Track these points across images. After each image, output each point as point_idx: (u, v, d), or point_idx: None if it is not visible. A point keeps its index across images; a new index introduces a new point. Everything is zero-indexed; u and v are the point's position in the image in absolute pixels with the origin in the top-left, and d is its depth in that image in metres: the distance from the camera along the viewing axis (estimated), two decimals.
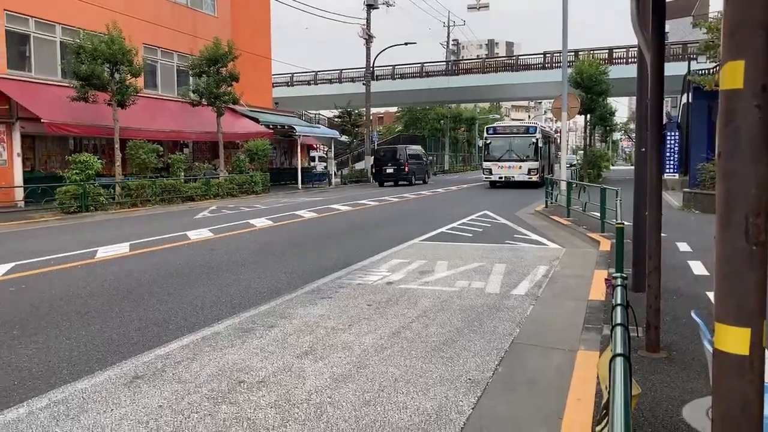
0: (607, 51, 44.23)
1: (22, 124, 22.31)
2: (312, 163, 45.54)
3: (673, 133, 28.39)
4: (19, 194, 21.94)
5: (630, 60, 41.94)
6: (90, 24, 23.25)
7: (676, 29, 46.19)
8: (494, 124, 36.95)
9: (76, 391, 4.92)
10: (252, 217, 18.57)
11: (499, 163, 33.54)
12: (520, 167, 33.08)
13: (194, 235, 14.60)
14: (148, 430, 4.17)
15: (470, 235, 14.25)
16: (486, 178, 34.48)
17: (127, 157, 23.83)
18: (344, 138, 45.10)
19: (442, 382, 5.01)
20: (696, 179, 21.59)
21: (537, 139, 33.20)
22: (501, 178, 33.55)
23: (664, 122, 6.91)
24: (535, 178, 32.67)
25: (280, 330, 6.56)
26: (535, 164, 33.06)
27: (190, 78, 29.29)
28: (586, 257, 11.04)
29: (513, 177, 33.12)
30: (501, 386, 4.96)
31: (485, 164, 34.79)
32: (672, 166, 28.35)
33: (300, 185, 35.59)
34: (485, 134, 35.42)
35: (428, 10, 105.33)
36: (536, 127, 34.56)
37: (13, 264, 10.70)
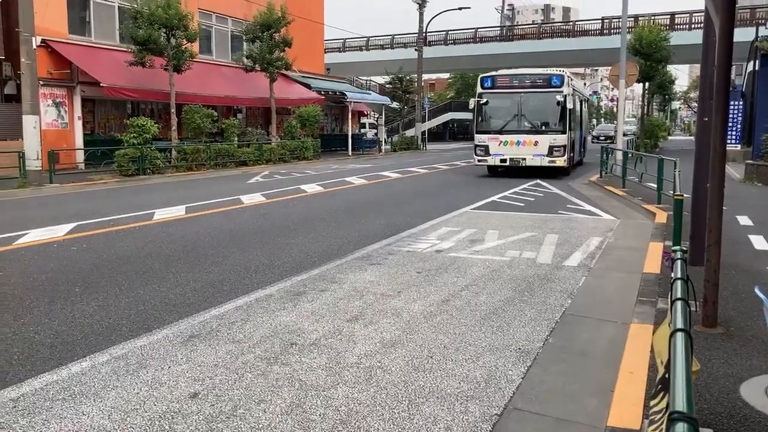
0: (669, 16, 42.60)
1: (82, 87, 22.88)
2: (362, 130, 45.59)
3: (736, 103, 27.29)
4: (80, 156, 22.60)
5: (693, 26, 40.34)
6: None
7: None
8: (494, 73, 22.04)
9: (135, 347, 5.10)
10: (303, 183, 18.74)
11: (501, 137, 20.65)
12: (536, 143, 20.21)
13: (247, 199, 14.83)
14: (203, 388, 4.29)
15: (522, 204, 14.09)
16: (479, 160, 21.27)
17: (182, 121, 24.24)
18: (395, 104, 44.92)
19: (492, 350, 5.01)
20: (760, 151, 20.78)
21: (565, 97, 19.85)
22: (504, 160, 20.67)
23: (729, 90, 6.59)
24: (561, 162, 20.13)
25: (330, 294, 6.64)
26: (560, 138, 20.05)
27: (244, 43, 29.45)
28: (641, 229, 10.80)
29: (524, 159, 20.39)
30: (551, 357, 4.93)
31: (478, 138, 21.32)
32: (734, 137, 27.31)
33: (350, 152, 35.67)
34: (479, 89, 21.29)
35: None
36: (563, 77, 20.30)
37: (75, 224, 11.07)
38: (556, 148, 20.06)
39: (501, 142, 20.60)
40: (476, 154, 21.30)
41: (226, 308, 6.16)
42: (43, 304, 6.35)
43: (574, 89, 21.89)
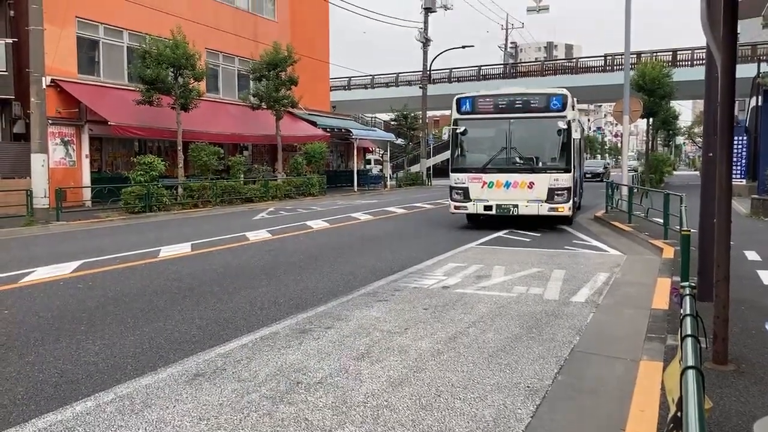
0: (671, 53, 43.06)
1: (90, 126, 23.16)
2: (368, 166, 45.80)
3: (740, 138, 27.39)
4: (87, 194, 22.74)
5: (695, 62, 40.73)
6: (155, 29, 23.93)
7: (746, 30, 44.48)
8: (474, 93, 16.84)
9: (141, 386, 5.06)
10: (309, 219, 18.77)
11: (485, 176, 15.64)
12: (532, 185, 15.24)
13: (253, 235, 14.85)
14: (209, 428, 4.24)
15: (528, 240, 14.06)
16: (456, 207, 16.11)
17: (189, 158, 24.43)
18: (400, 141, 45.21)
19: (500, 389, 4.95)
20: (765, 185, 20.78)
21: (569, 124, 15.06)
22: (488, 207, 15.60)
23: (733, 126, 6.63)
24: (564, 209, 15.17)
25: (336, 332, 6.59)
26: (564, 179, 15.14)
27: (251, 82, 29.82)
28: (648, 264, 10.75)
29: (515, 206, 15.34)
30: (561, 395, 4.86)
31: (454, 178, 16.17)
32: (739, 172, 27.35)
33: (356, 187, 35.79)
34: (454, 113, 16.19)
35: (486, 13, 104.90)
36: (565, 97, 15.31)
37: (81, 262, 11.09)
38: (559, 192, 14.89)
39: (485, 183, 15.38)
40: (452, 199, 15.92)
41: (232, 346, 6.12)
42: (48, 342, 6.32)
43: (576, 116, 16.56)
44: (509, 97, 15.59)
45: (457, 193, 15.88)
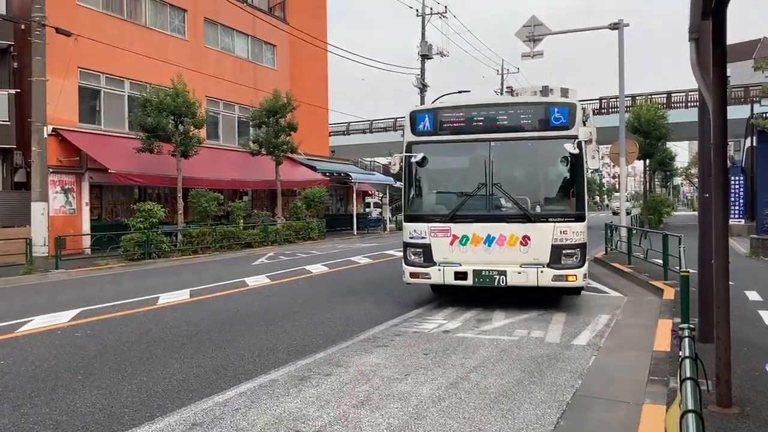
0: (665, 95, 43.59)
1: (90, 174, 23.30)
2: (367, 209, 45.90)
3: (736, 178, 27.55)
4: (87, 242, 22.73)
5: (690, 104, 41.20)
6: (156, 78, 24.29)
7: (738, 73, 45.28)
8: (439, 104, 12.02)
9: None
10: (308, 264, 18.73)
11: (454, 227, 10.19)
12: (526, 240, 9.85)
13: (252, 281, 14.80)
14: None
15: None
16: (413, 274, 10.45)
17: (189, 205, 24.51)
18: (399, 184, 45.37)
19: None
20: (763, 225, 20.82)
21: (580, 146, 9.84)
22: (462, 275, 10.05)
23: (727, 166, 6.73)
24: (576, 278, 9.71)
25: (336, 378, 6.53)
26: (576, 228, 9.80)
27: (251, 128, 30.12)
28: (649, 306, 10.70)
29: (501, 273, 9.85)
30: None
31: (410, 230, 10.54)
32: (737, 212, 27.43)
33: (355, 231, 35.81)
34: (408, 134, 10.75)
35: (482, 59, 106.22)
36: (571, 108, 10.05)
37: (79, 310, 11.03)
38: (568, 250, 9.69)
39: (455, 237, 10.09)
40: (406, 262, 10.48)
41: (230, 395, 6.05)
42: (44, 393, 6.25)
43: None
44: (490, 109, 10.22)
45: (413, 253, 10.19)
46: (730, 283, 5.28)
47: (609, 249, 19.76)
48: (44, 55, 17.99)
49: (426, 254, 10.20)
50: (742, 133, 31.80)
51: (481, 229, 9.93)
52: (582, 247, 9.71)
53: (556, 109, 9.90)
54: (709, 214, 6.58)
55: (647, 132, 31.54)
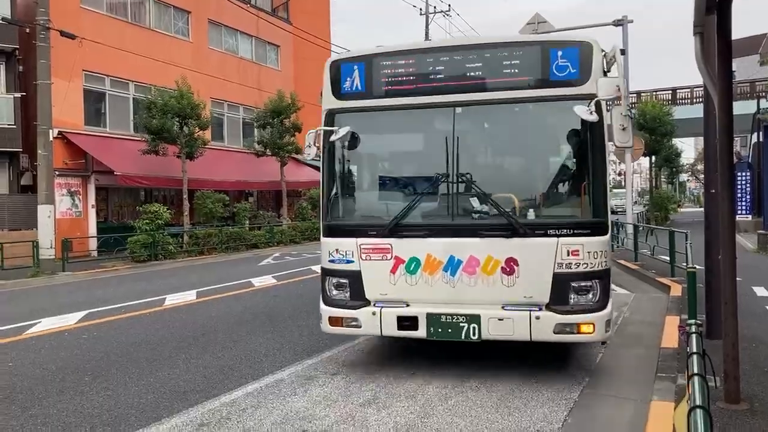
0: (670, 91, 43.44)
1: (96, 176, 23.37)
2: None
3: (743, 174, 27.45)
4: (93, 244, 22.79)
5: (695, 100, 41.05)
6: (161, 80, 24.33)
7: (744, 67, 45.06)
8: (375, 50, 6.74)
9: None
10: (314, 263, 18.73)
11: (400, 244, 6.29)
12: (512, 266, 6.00)
13: (258, 282, 14.82)
14: None
15: None
16: (334, 315, 6.54)
17: (194, 206, 24.56)
18: None
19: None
20: None
21: (600, 111, 5.85)
22: (411, 319, 6.17)
23: (734, 162, 6.75)
24: (590, 329, 5.80)
25: (342, 378, 6.52)
26: (591, 247, 5.87)
27: (255, 130, 30.16)
28: (656, 303, 10.66)
29: (473, 319, 5.99)
30: None
31: (331, 247, 6.59)
32: (744, 208, 27.32)
33: None
34: (328, 97, 6.82)
35: None
36: (585, 50, 6.01)
37: (86, 312, 11.06)
38: (582, 282, 5.95)
39: (399, 261, 6.35)
40: (324, 299, 6.76)
41: (237, 395, 6.05)
42: (52, 394, 6.27)
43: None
44: (457, 53, 6.52)
45: (335, 286, 6.65)
46: (737, 279, 5.25)
47: (615, 246, 19.71)
48: (49, 58, 18.05)
49: (354, 288, 6.41)
50: (749, 129, 31.69)
51: (440, 247, 6.14)
52: (603, 276, 5.93)
53: (560, 52, 6.08)
54: (715, 210, 6.56)
55: (653, 128, 31.45)
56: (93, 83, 24.12)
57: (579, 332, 5.81)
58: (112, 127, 24.81)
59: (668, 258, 13.38)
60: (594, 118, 5.74)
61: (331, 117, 6.74)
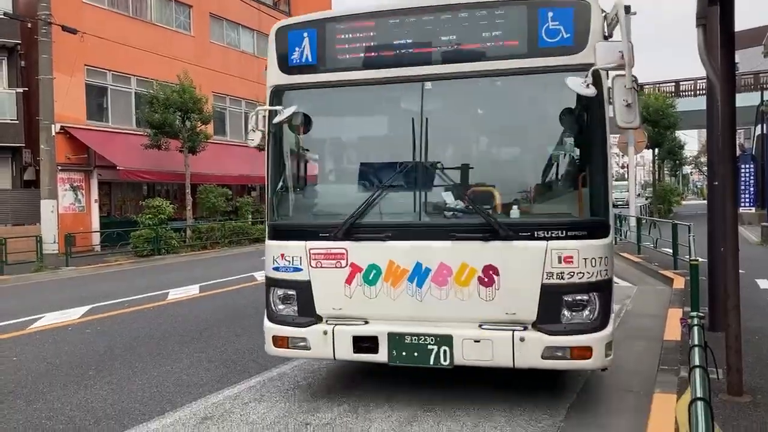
0: (673, 84, 43.31)
1: (99, 171, 23.40)
2: None
3: (747, 166, 27.34)
4: (96, 239, 22.85)
5: (698, 92, 40.93)
6: (163, 75, 24.31)
7: (747, 59, 44.91)
8: (328, 13, 6.05)
9: (148, 431, 5.02)
10: None
11: (356, 247, 5.21)
12: (491, 276, 4.92)
13: (261, 276, 14.82)
14: None
15: None
16: (279, 334, 5.40)
17: (197, 201, 24.59)
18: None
19: (512, 424, 4.87)
20: None
21: (598, 82, 4.79)
22: (369, 340, 5.12)
23: (737, 154, 6.75)
24: (591, 354, 4.78)
25: (343, 370, 6.53)
26: (588, 252, 4.82)
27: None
28: (659, 295, 10.65)
29: (442, 341, 4.93)
30: (573, 431, 4.78)
31: (275, 251, 5.48)
32: (748, 200, 27.23)
33: None
34: (273, 71, 5.60)
35: None
36: (581, 10, 4.88)
37: (89, 306, 11.09)
38: (577, 295, 4.87)
39: (356, 269, 5.23)
40: (269, 314, 5.55)
41: (240, 388, 6.07)
42: (56, 388, 6.30)
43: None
44: (427, 15, 5.30)
45: (281, 298, 5.54)
46: (740, 271, 5.25)
47: (618, 239, 19.70)
48: (51, 53, 18.05)
49: (302, 301, 5.37)
50: (753, 121, 31.58)
51: (404, 253, 5.10)
52: (603, 289, 4.91)
53: (550, 14, 4.98)
54: (718, 202, 6.55)
55: (656, 121, 31.42)
56: (95, 78, 24.12)
57: (573, 357, 4.79)
58: (114, 121, 24.83)
59: (671, 250, 13.37)
60: (591, 92, 4.72)
61: (277, 95, 5.58)
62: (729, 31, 4.97)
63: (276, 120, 5.47)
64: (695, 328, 3.27)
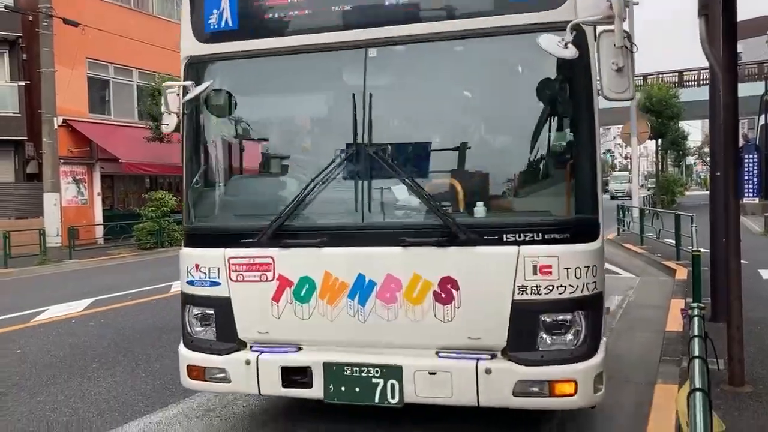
0: (676, 74, 43.13)
1: (101, 164, 23.43)
2: None
3: (751, 156, 27.27)
4: (99, 232, 22.90)
5: (702, 82, 40.77)
6: (164, 67, 24.22)
7: (751, 49, 44.67)
8: None
9: (151, 424, 5.05)
10: None
11: (284, 256, 4.17)
12: (449, 293, 3.91)
13: None
14: None
15: None
16: (194, 362, 4.48)
17: None
18: None
19: (514, 416, 4.88)
20: None
21: (581, 44, 3.75)
22: (301, 372, 4.14)
23: (740, 144, 6.76)
24: (574, 388, 3.79)
25: None
26: (571, 261, 3.81)
27: None
28: (661, 286, 10.65)
29: (390, 372, 3.94)
30: (575, 421, 4.79)
31: (190, 260, 4.63)
32: (751, 190, 27.17)
33: None
34: (188, 38, 4.56)
35: None
36: None
37: (93, 299, 11.13)
38: (557, 315, 3.86)
39: (285, 283, 4.20)
40: (186, 337, 4.66)
41: None
42: (59, 381, 6.33)
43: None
44: None
45: (197, 318, 4.60)
46: (743, 261, 5.25)
47: (621, 230, 19.70)
48: (52, 46, 18.05)
49: (221, 323, 4.41)
50: (757, 111, 31.48)
51: (343, 262, 4.14)
52: (591, 306, 3.95)
53: None
54: (720, 193, 6.53)
55: (659, 111, 31.30)
56: (97, 71, 24.11)
57: (553, 394, 3.79)
58: (116, 114, 24.83)
59: (674, 241, 13.35)
60: (570, 53, 3.67)
61: (193, 68, 4.54)
62: (731, 20, 4.95)
63: (186, 98, 4.43)
64: (695, 319, 3.27)
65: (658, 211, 19.55)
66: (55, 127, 18.33)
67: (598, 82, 3.82)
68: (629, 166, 35.56)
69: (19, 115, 22.26)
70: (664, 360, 6.05)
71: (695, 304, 3.57)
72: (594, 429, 4.66)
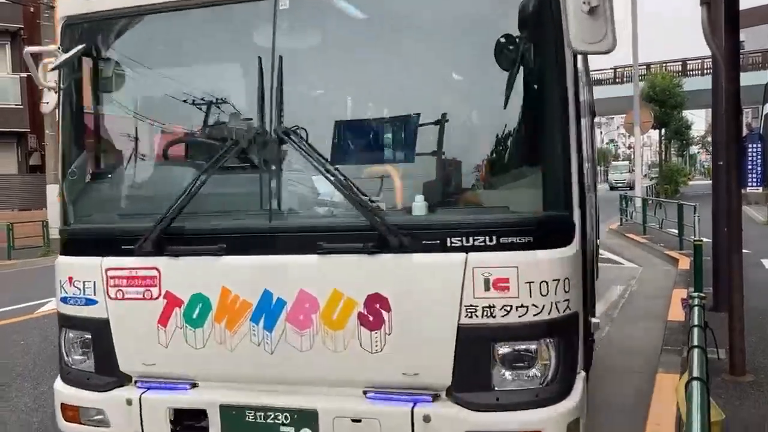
0: (680, 63, 42.95)
1: None
2: None
3: (754, 145, 27.15)
4: None
5: (706, 71, 40.60)
6: None
7: (754, 37, 44.42)
8: None
9: None
10: None
11: (171, 268, 3.18)
12: (378, 316, 2.91)
13: None
14: None
15: None
16: (68, 400, 3.41)
17: None
18: None
19: None
20: None
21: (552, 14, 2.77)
22: (190, 416, 3.19)
23: (744, 133, 6.75)
24: None
25: None
26: (544, 275, 2.82)
27: None
28: (664, 276, 10.65)
29: (303, 422, 2.99)
30: None
31: (63, 274, 3.45)
32: (755, 180, 27.06)
33: None
34: (65, 2, 3.73)
35: None
36: None
37: None
38: (519, 344, 2.87)
39: (174, 302, 3.20)
40: (62, 367, 3.55)
41: None
42: None
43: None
44: None
45: (74, 344, 3.53)
46: (746, 251, 5.26)
47: (624, 220, 19.69)
48: (53, 37, 18.02)
49: (99, 351, 3.42)
50: (761, 100, 31.34)
51: (246, 275, 3.15)
52: (563, 330, 2.94)
53: None
54: (723, 182, 6.52)
55: (662, 100, 31.25)
56: None
57: None
58: None
59: (677, 231, 13.35)
60: (543, 12, 2.85)
61: (71, 31, 3.66)
62: (733, 9, 4.93)
63: (53, 66, 3.54)
64: (695, 309, 3.28)
65: (661, 201, 19.54)
66: (57, 118, 18.34)
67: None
68: (632, 156, 35.44)
69: (21, 106, 22.31)
70: (666, 349, 6.07)
71: (695, 294, 3.57)
72: (595, 418, 4.67)
